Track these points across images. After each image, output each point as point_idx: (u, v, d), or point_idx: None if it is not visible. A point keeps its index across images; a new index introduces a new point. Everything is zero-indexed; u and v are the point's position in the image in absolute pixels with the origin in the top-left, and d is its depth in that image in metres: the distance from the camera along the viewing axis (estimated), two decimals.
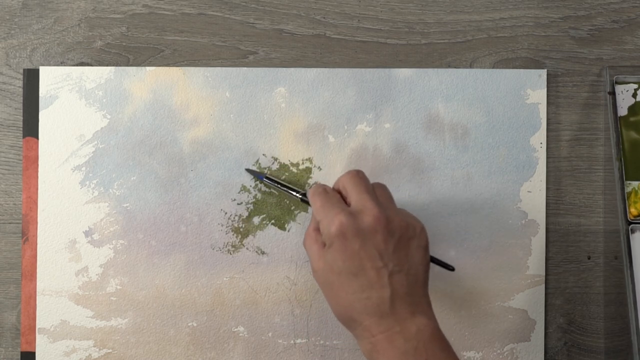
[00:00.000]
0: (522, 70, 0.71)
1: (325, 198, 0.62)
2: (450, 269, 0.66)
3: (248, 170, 0.70)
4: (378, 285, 0.58)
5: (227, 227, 0.71)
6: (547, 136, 0.71)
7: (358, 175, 0.63)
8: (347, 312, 0.59)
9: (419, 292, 0.60)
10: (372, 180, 0.70)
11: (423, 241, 0.61)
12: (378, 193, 0.63)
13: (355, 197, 0.61)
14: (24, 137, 0.71)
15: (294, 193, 0.68)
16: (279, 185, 0.69)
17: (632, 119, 0.70)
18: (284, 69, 0.71)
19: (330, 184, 0.71)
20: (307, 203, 0.67)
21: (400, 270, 0.59)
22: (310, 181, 0.71)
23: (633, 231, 0.67)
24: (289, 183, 0.70)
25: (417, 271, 0.60)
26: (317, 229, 0.62)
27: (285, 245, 0.71)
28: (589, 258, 0.71)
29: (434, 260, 0.66)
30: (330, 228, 0.59)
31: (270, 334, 0.70)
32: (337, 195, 0.63)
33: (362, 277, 0.58)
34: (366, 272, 0.58)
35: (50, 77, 0.71)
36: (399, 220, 0.60)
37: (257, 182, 0.71)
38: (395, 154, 0.71)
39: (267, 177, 0.70)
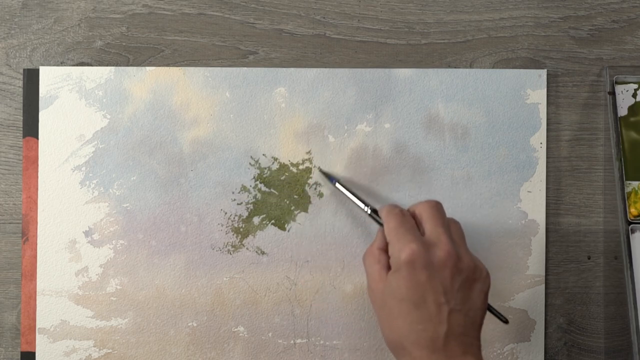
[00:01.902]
0: (522, 70, 0.71)
1: (401, 221, 0.62)
2: (504, 321, 0.65)
3: (322, 171, 0.70)
4: (437, 320, 0.58)
5: (227, 227, 0.71)
6: (547, 136, 0.71)
7: (437, 207, 0.63)
8: (399, 340, 0.59)
9: (474, 334, 0.60)
10: (371, 180, 0.70)
11: (486, 286, 0.61)
12: (452, 229, 0.63)
13: (431, 228, 0.61)
14: (24, 137, 0.71)
15: (363, 206, 0.67)
16: (349, 194, 0.68)
17: (632, 119, 0.70)
18: (284, 69, 0.71)
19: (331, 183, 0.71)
20: (376, 220, 0.66)
21: (460, 309, 0.59)
22: (310, 181, 0.71)
23: (633, 231, 0.67)
24: (356, 195, 0.69)
25: (476, 314, 0.60)
26: (382, 249, 0.63)
27: (285, 245, 0.71)
28: (589, 258, 0.71)
29: (490, 308, 0.65)
30: (401, 254, 0.59)
31: (270, 334, 0.70)
32: (412, 221, 0.63)
33: (423, 309, 0.58)
34: (427, 305, 0.58)
35: (50, 77, 0.71)
36: (468, 260, 0.61)
37: (258, 182, 0.71)
38: (395, 154, 0.71)
39: (339, 183, 0.69)
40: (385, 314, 0.60)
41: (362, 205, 0.67)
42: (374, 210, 0.67)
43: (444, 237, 0.60)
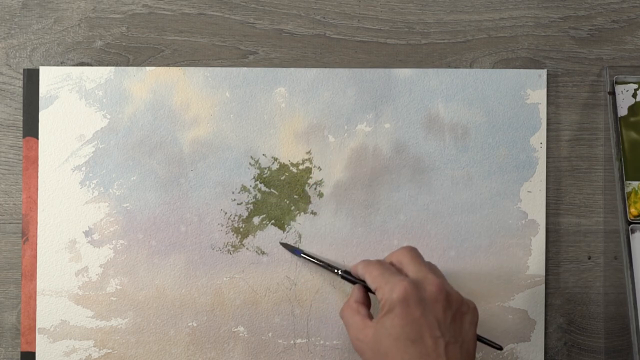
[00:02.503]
0: (522, 70, 0.71)
1: (382, 267, 0.63)
2: (498, 347, 0.66)
3: (283, 244, 0.70)
4: (434, 354, 0.59)
5: (227, 227, 0.71)
6: (547, 136, 0.71)
7: (414, 251, 0.64)
8: None
9: None
10: (371, 180, 0.70)
11: (475, 318, 0.62)
12: (433, 269, 0.64)
13: (414, 269, 0.62)
14: (24, 137, 0.71)
15: (335, 270, 0.68)
16: (316, 262, 0.69)
17: (632, 119, 0.70)
18: (284, 69, 0.71)
19: (331, 183, 0.71)
20: (349, 280, 0.67)
21: (455, 341, 0.60)
22: (310, 181, 0.71)
23: (633, 231, 0.67)
24: (324, 261, 0.70)
25: (469, 345, 0.61)
26: (359, 302, 0.64)
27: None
28: (589, 258, 0.71)
29: (481, 339, 0.66)
30: (392, 294, 0.60)
31: (270, 334, 0.70)
32: (393, 267, 0.64)
33: (420, 344, 0.59)
34: (424, 340, 0.59)
35: (50, 77, 0.71)
36: (456, 294, 0.62)
37: (257, 182, 0.71)
38: (395, 154, 0.71)
39: (304, 254, 0.70)
40: (380, 358, 0.61)
41: (334, 269, 0.69)
42: (346, 272, 0.68)
43: (430, 275, 0.62)
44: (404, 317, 0.59)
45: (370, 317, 0.63)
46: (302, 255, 0.70)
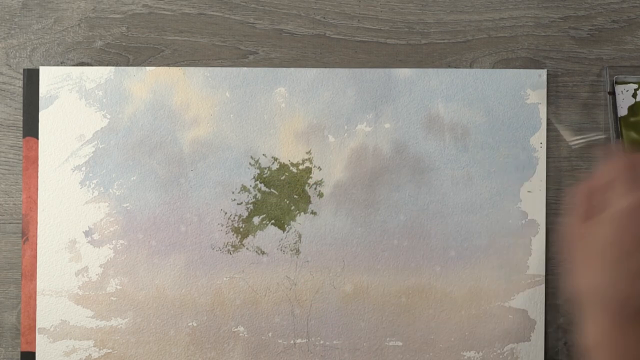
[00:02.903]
0: (522, 70, 0.71)
1: (629, 164, 0.55)
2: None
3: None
4: None
5: (227, 227, 0.71)
6: (547, 136, 0.71)
7: None
8: (593, 292, 0.54)
9: None
10: (371, 180, 0.70)
11: None
12: None
13: None
14: (24, 137, 0.71)
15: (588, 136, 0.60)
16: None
17: (632, 119, 0.70)
18: (284, 69, 0.71)
19: (331, 183, 0.71)
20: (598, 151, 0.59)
21: None
22: (310, 181, 0.71)
23: None
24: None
25: None
26: (597, 189, 0.56)
27: (285, 245, 0.71)
28: None
29: None
30: (622, 199, 0.53)
31: (270, 334, 0.70)
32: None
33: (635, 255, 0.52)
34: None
35: (50, 77, 0.71)
36: None
37: (257, 182, 0.71)
38: (395, 154, 0.71)
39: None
40: (586, 259, 0.54)
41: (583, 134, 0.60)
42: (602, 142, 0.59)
43: None
44: (628, 227, 0.52)
45: (594, 208, 0.56)
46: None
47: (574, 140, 0.60)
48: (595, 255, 0.54)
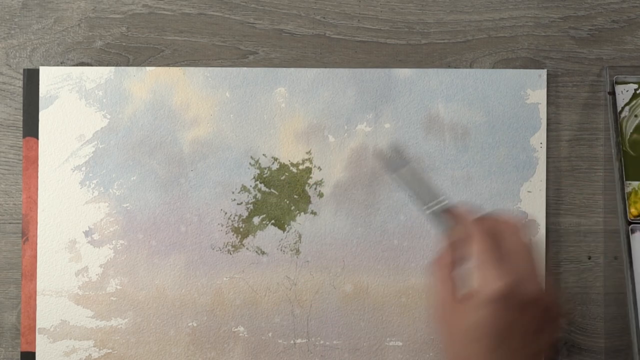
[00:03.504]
0: (522, 70, 0.71)
1: (490, 244, 0.55)
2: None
3: (392, 148, 0.59)
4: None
5: (227, 227, 0.71)
6: (547, 136, 0.71)
7: (524, 230, 0.56)
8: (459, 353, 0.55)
9: None
10: (371, 180, 0.70)
11: (559, 326, 0.56)
12: (534, 258, 0.56)
13: (524, 260, 0.55)
14: (24, 137, 0.71)
15: (437, 200, 0.56)
16: (410, 187, 0.57)
17: (632, 119, 0.70)
18: (284, 69, 0.71)
19: (331, 183, 0.71)
20: (442, 218, 0.56)
21: (538, 352, 0.54)
22: (310, 181, 0.71)
23: (633, 231, 0.67)
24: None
25: (551, 354, 0.56)
26: (456, 263, 0.56)
27: (285, 245, 0.71)
28: (589, 258, 0.71)
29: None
30: (488, 287, 0.53)
31: (270, 334, 0.70)
32: (501, 244, 0.55)
33: (504, 349, 0.53)
34: (510, 344, 0.53)
35: (50, 77, 0.71)
36: (552, 296, 0.55)
37: (257, 182, 0.71)
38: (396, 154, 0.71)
39: (399, 173, 0.57)
40: (454, 343, 0.55)
41: (429, 198, 0.56)
42: (446, 210, 0.56)
43: (533, 273, 0.54)
44: (491, 317, 0.53)
45: (456, 286, 0.55)
46: (396, 174, 0.57)
47: (427, 207, 0.56)
48: (466, 341, 0.54)
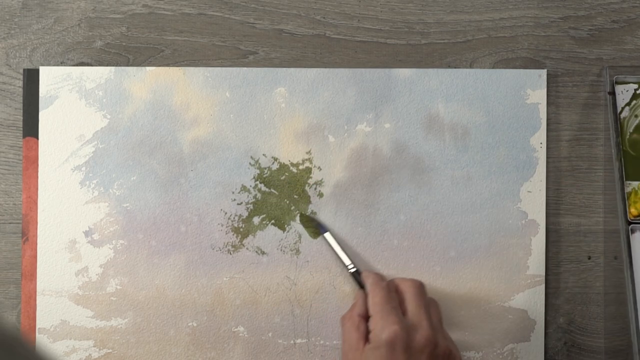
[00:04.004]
0: (522, 70, 0.71)
1: (386, 297, 0.64)
2: None
3: (311, 218, 0.70)
4: None
5: (227, 227, 0.71)
6: (547, 136, 0.71)
7: (420, 288, 0.65)
8: None
9: None
10: (371, 180, 0.70)
11: None
12: (432, 312, 0.65)
13: (413, 309, 0.63)
14: (24, 137, 0.71)
15: (348, 266, 0.69)
16: (333, 249, 0.69)
17: (632, 119, 0.70)
18: (284, 69, 0.71)
19: (331, 183, 0.71)
20: (357, 281, 0.68)
21: None
22: (310, 181, 0.71)
23: (633, 231, 0.67)
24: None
25: None
26: (362, 316, 0.64)
27: (285, 245, 0.71)
28: (589, 258, 0.71)
29: None
30: (382, 333, 0.61)
31: (270, 334, 0.70)
32: (396, 299, 0.64)
33: None
34: None
35: (50, 77, 0.71)
36: (445, 347, 0.62)
37: (257, 182, 0.71)
38: (395, 154, 0.71)
39: (326, 235, 0.70)
40: None
41: (347, 262, 0.69)
42: (358, 272, 0.68)
43: (425, 322, 0.62)
44: (387, 359, 0.60)
45: (367, 336, 0.63)
46: (324, 235, 0.70)
47: (348, 267, 0.69)
48: None
